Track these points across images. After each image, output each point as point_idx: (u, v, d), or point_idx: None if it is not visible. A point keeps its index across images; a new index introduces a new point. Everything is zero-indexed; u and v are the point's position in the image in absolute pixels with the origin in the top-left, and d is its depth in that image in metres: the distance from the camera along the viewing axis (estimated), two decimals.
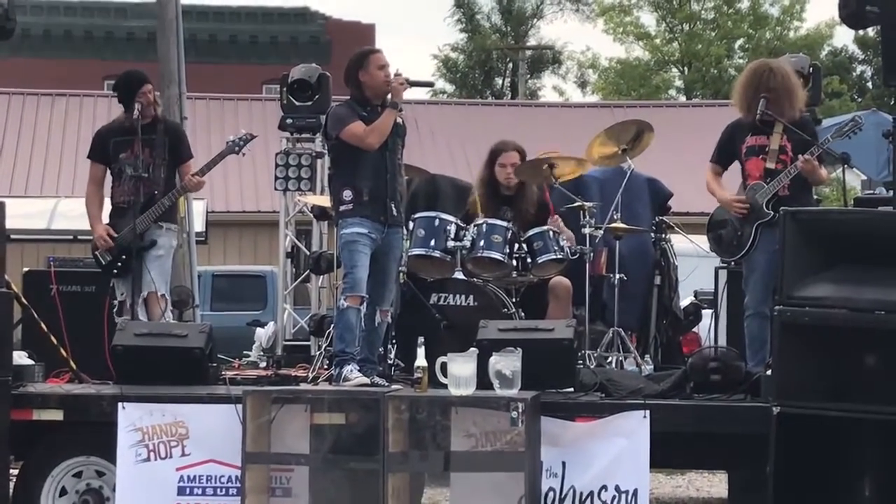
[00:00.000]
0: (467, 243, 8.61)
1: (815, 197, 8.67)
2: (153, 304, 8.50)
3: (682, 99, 38.46)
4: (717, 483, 10.72)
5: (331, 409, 7.31)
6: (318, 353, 9.28)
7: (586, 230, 8.75)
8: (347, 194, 7.94)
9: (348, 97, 8.12)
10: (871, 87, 42.92)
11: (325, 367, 8.54)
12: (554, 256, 8.63)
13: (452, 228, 8.66)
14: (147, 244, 8.57)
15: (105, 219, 8.80)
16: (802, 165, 7.89)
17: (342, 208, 7.97)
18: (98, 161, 8.80)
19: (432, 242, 8.65)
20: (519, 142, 9.23)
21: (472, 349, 7.28)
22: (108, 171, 8.79)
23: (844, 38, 45.33)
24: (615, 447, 7.24)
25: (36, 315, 8.57)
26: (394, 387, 7.74)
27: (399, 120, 8.07)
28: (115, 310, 8.61)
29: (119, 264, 8.58)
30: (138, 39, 35.52)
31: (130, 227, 8.49)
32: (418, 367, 7.37)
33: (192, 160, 8.83)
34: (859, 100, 40.06)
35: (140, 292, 8.48)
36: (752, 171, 8.09)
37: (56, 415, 7.62)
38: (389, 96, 7.98)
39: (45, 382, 8.15)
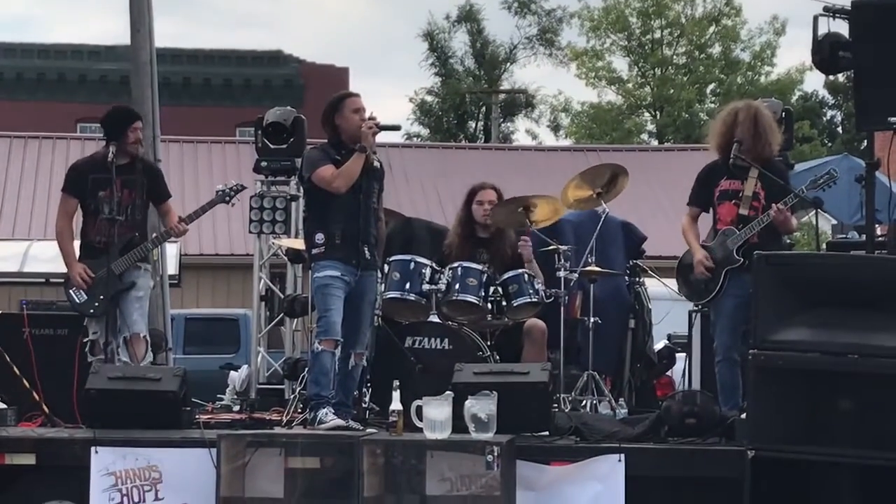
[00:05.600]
0: (442, 286, 8.63)
1: (788, 241, 8.70)
2: (137, 346, 8.43)
3: (654, 143, 38.64)
4: None
5: (305, 453, 7.30)
6: (292, 396, 9.24)
7: (561, 273, 8.77)
8: (319, 237, 7.96)
9: (325, 140, 8.15)
10: (841, 131, 43.26)
11: (300, 410, 8.51)
12: (529, 300, 8.65)
13: (427, 272, 8.67)
14: (127, 285, 8.51)
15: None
16: (775, 216, 7.92)
17: (314, 251, 7.98)
18: (73, 195, 8.66)
19: (407, 286, 8.66)
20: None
21: (447, 392, 7.28)
22: (80, 207, 8.66)
23: (815, 83, 45.87)
24: (590, 491, 7.23)
25: (8, 358, 8.51)
26: (369, 430, 7.73)
27: (376, 164, 8.09)
28: (87, 349, 8.54)
29: (96, 304, 8.51)
30: (111, 82, 35.41)
31: (109, 267, 8.43)
32: (393, 411, 7.37)
33: (171, 199, 8.80)
34: (830, 144, 40.33)
35: (119, 334, 8.42)
36: (723, 216, 8.11)
37: (29, 459, 7.58)
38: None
39: (17, 426, 8.08)
